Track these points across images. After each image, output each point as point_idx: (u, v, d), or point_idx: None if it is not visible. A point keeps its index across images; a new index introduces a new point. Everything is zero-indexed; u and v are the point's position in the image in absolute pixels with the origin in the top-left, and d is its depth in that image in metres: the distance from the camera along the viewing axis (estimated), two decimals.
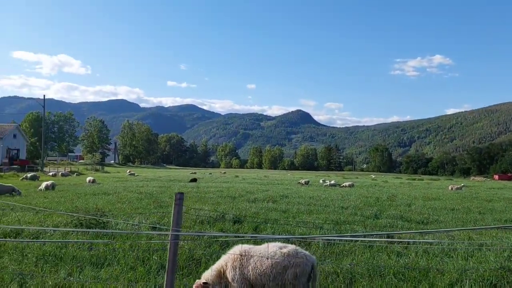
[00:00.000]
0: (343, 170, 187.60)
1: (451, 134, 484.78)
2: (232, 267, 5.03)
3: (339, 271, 6.96)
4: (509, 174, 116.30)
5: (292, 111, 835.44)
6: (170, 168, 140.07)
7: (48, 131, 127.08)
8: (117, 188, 25.43)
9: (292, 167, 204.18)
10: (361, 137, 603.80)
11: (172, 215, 3.84)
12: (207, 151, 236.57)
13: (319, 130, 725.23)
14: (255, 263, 4.98)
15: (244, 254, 5.07)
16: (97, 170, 73.16)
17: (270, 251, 5.01)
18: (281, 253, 4.97)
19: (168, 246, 3.87)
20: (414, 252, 8.66)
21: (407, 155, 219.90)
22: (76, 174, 54.50)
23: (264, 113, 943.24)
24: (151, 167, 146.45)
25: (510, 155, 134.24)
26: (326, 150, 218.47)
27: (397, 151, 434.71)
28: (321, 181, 47.94)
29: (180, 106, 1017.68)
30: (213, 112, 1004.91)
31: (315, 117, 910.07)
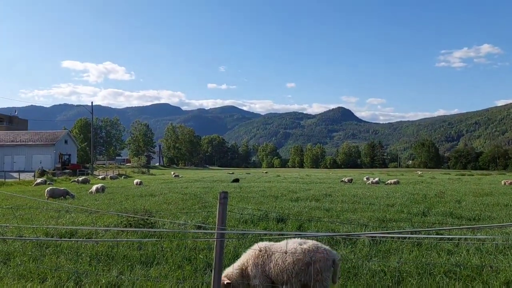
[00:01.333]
0: (387, 167, 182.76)
1: (503, 126, 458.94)
2: (254, 264, 5.06)
3: (386, 269, 6.81)
4: None
5: (333, 109, 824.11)
6: (213, 169, 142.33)
7: (96, 136, 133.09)
8: (163, 190, 26.16)
9: (334, 165, 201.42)
10: (405, 132, 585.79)
11: (217, 214, 3.92)
12: (248, 151, 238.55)
13: (361, 126, 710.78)
14: (277, 260, 4.98)
15: (265, 251, 5.08)
16: (143, 173, 75.63)
17: (290, 247, 4.99)
18: (302, 249, 4.94)
19: (214, 245, 3.95)
20: (465, 249, 8.31)
21: (456, 149, 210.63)
22: (124, 177, 56.62)
23: (304, 112, 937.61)
24: (194, 168, 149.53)
25: None
26: (369, 147, 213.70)
27: (445, 146, 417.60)
28: (364, 179, 46.94)
29: (221, 108, 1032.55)
30: (253, 113, 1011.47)
31: (357, 114, 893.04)
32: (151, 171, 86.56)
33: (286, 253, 4.97)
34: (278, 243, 5.31)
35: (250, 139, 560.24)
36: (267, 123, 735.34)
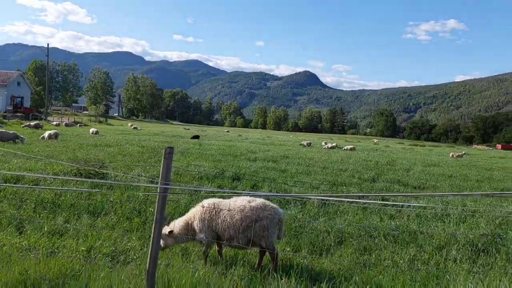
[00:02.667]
0: (346, 134, 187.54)
1: (458, 101, 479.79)
2: (200, 219, 5.15)
3: (330, 230, 7.10)
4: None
5: (299, 72, 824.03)
6: (174, 124, 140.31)
7: (52, 80, 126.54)
8: (120, 141, 25.60)
9: (296, 128, 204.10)
10: (367, 101, 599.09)
11: (161, 168, 3.87)
12: (211, 108, 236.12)
13: (325, 92, 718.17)
14: (225, 216, 5.08)
15: (213, 207, 5.16)
16: (100, 122, 73.47)
17: (239, 204, 5.10)
18: (250, 206, 5.06)
19: (157, 199, 3.93)
20: (406, 215, 8.79)
21: (412, 121, 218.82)
22: (80, 125, 54.76)
23: (271, 73, 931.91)
24: (154, 121, 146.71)
25: None
26: (331, 113, 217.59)
27: (402, 116, 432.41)
28: (323, 143, 48.04)
29: (186, 61, 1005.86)
30: (218, 69, 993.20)
31: (322, 79, 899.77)
32: (109, 121, 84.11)
33: (234, 210, 5.05)
34: (227, 200, 5.37)
35: (214, 96, 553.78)
36: (233, 81, 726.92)
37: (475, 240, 6.83)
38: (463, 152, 42.86)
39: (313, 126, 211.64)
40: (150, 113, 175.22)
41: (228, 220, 5.04)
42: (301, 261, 5.58)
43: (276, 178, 13.05)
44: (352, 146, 42.43)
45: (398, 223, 8.11)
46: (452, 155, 39.06)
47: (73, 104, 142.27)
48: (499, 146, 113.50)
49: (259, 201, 5.19)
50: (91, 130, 35.87)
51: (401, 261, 5.84)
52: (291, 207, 8.96)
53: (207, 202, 5.24)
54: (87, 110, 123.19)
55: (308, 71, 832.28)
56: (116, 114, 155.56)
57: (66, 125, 51.32)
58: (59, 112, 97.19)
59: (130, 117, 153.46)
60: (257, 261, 5.27)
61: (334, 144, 43.99)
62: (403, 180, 15.06)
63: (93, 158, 13.86)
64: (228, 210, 5.05)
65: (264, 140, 49.27)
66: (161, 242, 4.92)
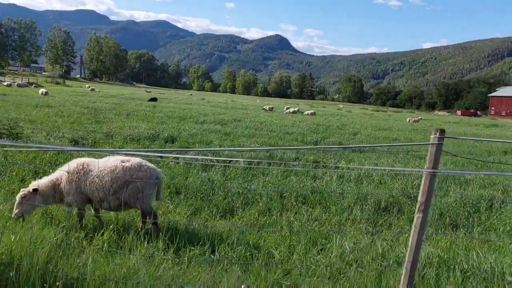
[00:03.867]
0: (314, 99, 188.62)
1: (424, 68, 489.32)
2: (68, 180, 4.77)
3: (241, 191, 6.92)
4: (471, 111, 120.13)
5: (271, 36, 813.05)
6: (139, 87, 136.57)
7: (8, 38, 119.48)
8: (66, 102, 24.52)
9: (265, 93, 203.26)
10: (337, 66, 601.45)
11: None
12: (179, 71, 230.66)
13: (296, 57, 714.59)
14: (93, 177, 4.73)
15: (82, 167, 4.79)
16: (58, 83, 70.37)
17: (110, 165, 4.77)
18: (123, 167, 4.74)
19: None
20: (330, 177, 8.75)
21: (378, 87, 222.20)
22: (34, 86, 52.17)
23: (242, 36, 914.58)
24: (118, 84, 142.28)
25: (475, 92, 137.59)
26: (300, 78, 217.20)
27: (371, 83, 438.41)
28: (285, 108, 47.94)
29: (153, 22, 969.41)
30: (187, 31, 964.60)
31: (294, 43, 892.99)
32: (69, 82, 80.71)
33: (104, 171, 4.72)
34: (99, 159, 5.02)
35: (183, 59, 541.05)
36: (202, 43, 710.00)
37: (382, 199, 6.85)
38: (420, 117, 43.86)
39: (282, 91, 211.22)
40: (114, 75, 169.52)
41: (97, 181, 4.70)
42: (192, 223, 5.38)
43: (213, 140, 12.79)
44: (313, 111, 42.55)
45: (316, 184, 8.05)
46: (409, 120, 39.88)
47: (32, 65, 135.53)
48: (459, 112, 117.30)
49: (134, 161, 4.87)
50: (40, 91, 34.28)
51: (296, 222, 5.74)
52: (215, 169, 8.73)
53: (75, 162, 4.86)
54: (46, 71, 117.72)
55: (279, 35, 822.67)
56: (78, 75, 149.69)
57: (19, 85, 48.75)
58: (16, 72, 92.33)
59: (93, 79, 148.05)
60: (140, 224, 5.02)
61: (296, 109, 43.97)
62: (344, 143, 15.12)
63: (21, 118, 13.09)
64: (103, 170, 4.70)
65: (227, 104, 48.67)
66: (21, 200, 4.56)
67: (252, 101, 77.27)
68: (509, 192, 8.49)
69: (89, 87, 62.35)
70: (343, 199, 6.96)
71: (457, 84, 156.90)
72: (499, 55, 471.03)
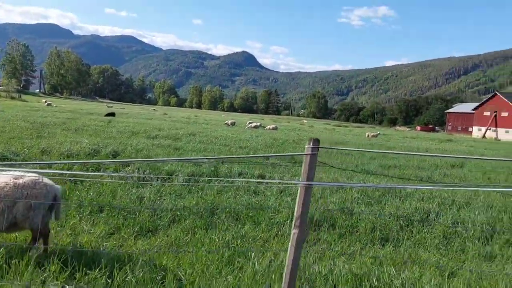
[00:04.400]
0: (280, 115, 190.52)
1: (386, 85, 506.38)
2: None
3: (169, 208, 6.58)
4: (430, 126, 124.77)
5: (237, 52, 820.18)
6: (103, 102, 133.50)
7: None
8: (14, 118, 23.30)
9: (231, 109, 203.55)
10: (302, 83, 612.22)
11: None
12: (144, 87, 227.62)
13: (262, 73, 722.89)
14: None
15: None
16: (13, 98, 67.49)
17: (1, 181, 4.38)
18: (14, 184, 4.36)
19: None
20: (270, 192, 8.55)
21: (342, 103, 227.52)
22: None
23: (209, 52, 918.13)
24: (80, 99, 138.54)
25: (433, 108, 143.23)
26: (266, 94, 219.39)
27: (335, 99, 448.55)
28: (247, 123, 47.91)
29: (119, 37, 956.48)
30: (154, 46, 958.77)
31: (260, 60, 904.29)
32: (25, 97, 77.56)
33: None
34: None
35: (149, 74, 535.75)
36: (169, 59, 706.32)
37: (317, 215, 6.71)
38: (378, 132, 44.93)
39: (248, 106, 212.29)
40: (76, 90, 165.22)
41: None
42: (103, 244, 4.99)
43: (159, 154, 12.40)
44: (274, 126, 42.74)
45: (255, 199, 7.83)
46: (368, 135, 40.72)
47: None
48: (418, 127, 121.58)
49: (29, 178, 4.47)
50: None
51: (217, 240, 5.46)
52: (147, 185, 8.35)
53: None
54: (1, 86, 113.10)
55: (246, 52, 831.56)
56: (38, 90, 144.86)
57: None
58: None
59: (54, 94, 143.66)
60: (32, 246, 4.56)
61: (258, 124, 44.00)
62: (296, 156, 15.03)
63: None
64: None
65: (189, 119, 48.06)
66: None
67: (217, 116, 76.91)
68: (446, 205, 8.57)
69: (45, 102, 60.16)
70: (277, 214, 6.76)
71: (416, 101, 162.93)
72: (455, 73, 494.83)
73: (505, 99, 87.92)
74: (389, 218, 6.91)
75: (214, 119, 56.21)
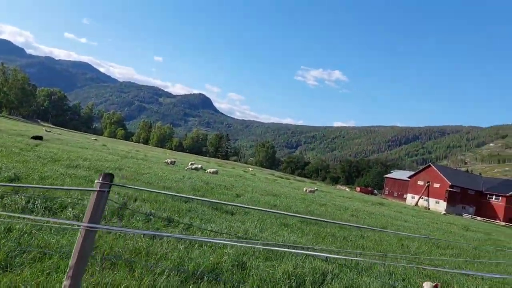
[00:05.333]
0: (228, 159, 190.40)
1: (333, 144, 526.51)
2: None
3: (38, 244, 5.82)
4: (369, 188, 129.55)
5: (194, 93, 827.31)
6: (43, 125, 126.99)
7: None
8: None
9: (180, 148, 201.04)
10: (255, 132, 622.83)
11: None
12: (91, 115, 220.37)
13: (217, 117, 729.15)
14: None
15: None
16: None
17: None
18: None
19: None
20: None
21: (289, 156, 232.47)
22: None
23: (166, 89, 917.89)
24: (20, 120, 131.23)
25: (374, 172, 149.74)
26: (217, 138, 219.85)
27: (284, 151, 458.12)
28: (189, 165, 47.02)
29: (74, 62, 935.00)
30: (110, 77, 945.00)
31: (216, 104, 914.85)
32: None
33: None
34: None
35: (100, 103, 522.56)
36: (123, 91, 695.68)
37: (204, 267, 6.20)
38: (315, 188, 45.64)
39: (197, 148, 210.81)
40: (17, 110, 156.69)
41: None
42: None
43: (65, 184, 11.44)
44: (215, 170, 42.15)
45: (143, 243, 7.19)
46: (306, 190, 41.14)
47: None
48: (358, 188, 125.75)
49: None
50: None
51: None
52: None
53: None
54: None
55: (203, 94, 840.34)
56: None
57: None
58: None
59: None
60: None
61: (199, 166, 43.20)
62: (218, 205, 14.54)
63: None
64: None
65: (128, 153, 46.38)
66: None
67: (160, 154, 75.03)
68: (349, 267, 8.38)
69: None
70: (157, 264, 6.18)
71: (358, 163, 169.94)
72: (397, 141, 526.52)
73: (438, 171, 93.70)
74: (282, 276, 6.54)
75: (156, 156, 54.70)
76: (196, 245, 7.60)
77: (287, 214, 4.02)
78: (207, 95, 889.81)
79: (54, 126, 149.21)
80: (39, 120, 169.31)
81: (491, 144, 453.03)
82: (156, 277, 5.51)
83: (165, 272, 5.70)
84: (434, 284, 5.26)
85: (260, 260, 7.35)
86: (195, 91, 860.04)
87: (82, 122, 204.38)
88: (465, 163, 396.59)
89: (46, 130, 69.76)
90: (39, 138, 33.72)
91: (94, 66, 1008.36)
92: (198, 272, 6.01)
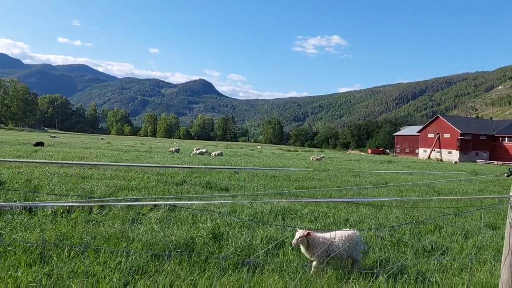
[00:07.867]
0: (237, 141, 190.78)
1: (341, 111, 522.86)
2: None
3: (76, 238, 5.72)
4: (380, 149, 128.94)
5: (195, 80, 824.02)
6: (52, 132, 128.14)
7: None
8: None
9: (187, 136, 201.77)
10: (260, 110, 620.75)
11: None
12: (96, 116, 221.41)
13: (221, 101, 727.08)
14: None
15: None
16: None
17: None
18: None
19: None
20: (155, 219, 7.85)
21: (297, 129, 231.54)
22: None
23: (166, 80, 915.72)
24: (27, 130, 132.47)
25: (383, 132, 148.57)
26: (223, 121, 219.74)
27: (292, 125, 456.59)
28: (194, 150, 47.09)
29: (72, 66, 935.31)
30: (109, 75, 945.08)
31: (218, 88, 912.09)
32: None
33: None
34: None
35: (104, 103, 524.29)
36: (124, 87, 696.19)
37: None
38: (322, 156, 45.41)
39: (205, 133, 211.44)
40: (22, 121, 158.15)
41: None
42: None
43: (51, 184, 11.40)
44: (220, 152, 42.14)
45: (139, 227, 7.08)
46: (312, 159, 40.94)
47: None
48: (369, 150, 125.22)
49: None
50: None
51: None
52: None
53: None
54: None
55: (203, 80, 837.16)
56: None
57: None
58: None
59: None
60: None
61: (203, 150, 43.23)
62: (213, 181, 14.42)
63: None
64: None
65: (133, 147, 46.64)
66: None
67: (167, 144, 75.37)
68: (336, 224, 8.20)
69: None
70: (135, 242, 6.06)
71: (367, 125, 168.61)
72: (404, 98, 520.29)
73: (446, 122, 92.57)
74: (259, 241, 6.40)
75: (161, 147, 54.90)
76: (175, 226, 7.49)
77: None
78: (208, 80, 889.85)
79: (60, 132, 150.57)
80: (46, 128, 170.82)
81: (500, 87, 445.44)
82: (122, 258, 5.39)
83: (131, 253, 5.58)
84: (306, 232, 5.19)
85: (237, 229, 7.20)
86: (195, 78, 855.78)
87: (88, 124, 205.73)
88: (476, 109, 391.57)
89: (51, 136, 70.34)
90: (41, 144, 33.93)
91: (92, 67, 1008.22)
92: (171, 248, 5.89)
